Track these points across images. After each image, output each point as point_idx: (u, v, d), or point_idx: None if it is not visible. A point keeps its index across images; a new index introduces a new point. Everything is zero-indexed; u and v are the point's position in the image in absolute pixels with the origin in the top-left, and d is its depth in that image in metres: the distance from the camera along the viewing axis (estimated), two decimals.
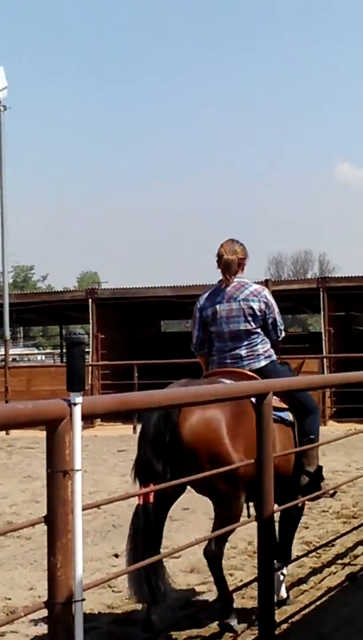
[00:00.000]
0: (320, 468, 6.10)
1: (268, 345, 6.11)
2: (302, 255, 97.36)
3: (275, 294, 23.60)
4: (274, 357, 6.13)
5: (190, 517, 8.99)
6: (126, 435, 19.36)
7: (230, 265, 6.05)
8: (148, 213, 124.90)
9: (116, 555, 7.40)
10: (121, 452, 15.42)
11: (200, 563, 7.10)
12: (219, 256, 6.08)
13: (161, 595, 5.24)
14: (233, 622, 5.35)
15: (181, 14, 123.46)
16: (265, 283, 21.74)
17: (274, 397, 5.03)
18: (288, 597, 5.95)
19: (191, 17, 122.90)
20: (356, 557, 7.02)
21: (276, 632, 4.56)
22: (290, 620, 5.44)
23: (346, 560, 6.99)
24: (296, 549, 7.22)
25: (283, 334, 6.28)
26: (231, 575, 6.74)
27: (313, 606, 5.75)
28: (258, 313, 6.03)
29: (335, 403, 22.43)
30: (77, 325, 33.65)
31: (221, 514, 5.55)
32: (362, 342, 26.61)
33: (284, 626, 5.31)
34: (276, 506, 5.10)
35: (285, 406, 5.85)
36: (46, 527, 3.24)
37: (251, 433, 4.99)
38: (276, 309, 6.17)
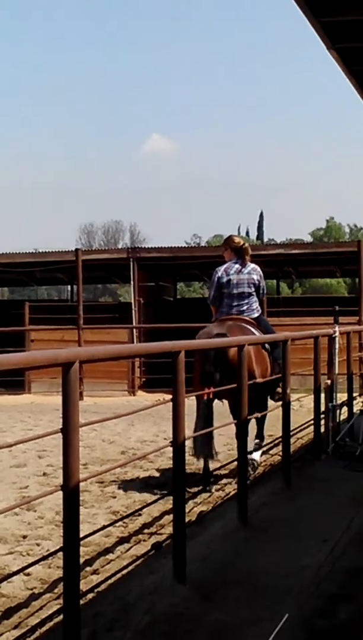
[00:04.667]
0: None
1: (258, 304, 9.48)
2: (113, 225, 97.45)
3: (85, 263, 23.52)
4: (260, 310, 9.58)
5: None
6: None
7: (247, 251, 9.43)
8: None
9: None
10: None
11: (7, 533, 7.05)
12: (237, 245, 9.40)
13: (214, 454, 8.47)
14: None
15: None
16: (75, 252, 21.66)
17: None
18: (258, 463, 9.22)
19: None
20: (162, 526, 7.11)
21: (82, 602, 4.55)
22: (96, 590, 5.44)
23: (152, 529, 7.06)
24: (103, 519, 7.28)
25: (265, 295, 10.09)
26: (38, 545, 6.72)
27: (119, 575, 5.77)
28: (256, 282, 9.38)
29: (144, 373, 22.64)
30: None
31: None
32: (171, 312, 26.96)
33: (90, 596, 5.31)
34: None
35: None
36: None
37: (262, 358, 9.01)
38: (263, 279, 9.58)
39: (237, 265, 9.36)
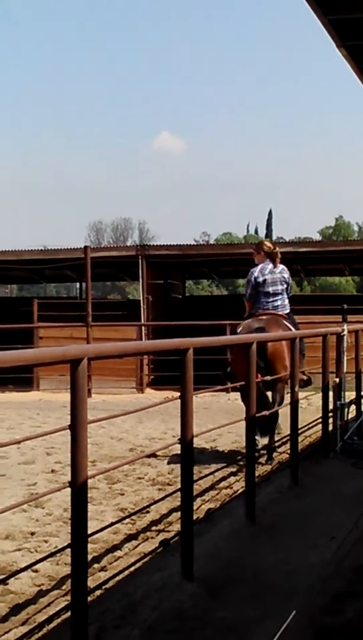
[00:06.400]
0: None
1: (288, 301, 10.65)
2: (122, 223, 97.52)
3: (94, 260, 23.49)
4: (289, 307, 10.73)
5: (6, 483, 8.91)
6: None
7: (277, 255, 10.63)
8: None
9: None
10: None
11: (15, 530, 7.06)
12: (269, 249, 10.67)
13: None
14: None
15: None
16: (84, 250, 21.66)
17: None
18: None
19: None
20: (170, 523, 7.11)
21: (90, 599, 4.56)
22: (103, 587, 5.45)
23: (160, 526, 7.07)
24: (111, 516, 7.29)
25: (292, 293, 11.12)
26: (46, 541, 6.73)
27: (127, 572, 5.79)
28: (287, 280, 10.62)
29: (152, 371, 22.65)
30: None
31: (280, 392, 9.94)
32: (179, 310, 26.96)
33: (98, 592, 5.32)
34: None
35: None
36: None
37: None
38: (290, 278, 10.84)
39: (270, 266, 10.51)
